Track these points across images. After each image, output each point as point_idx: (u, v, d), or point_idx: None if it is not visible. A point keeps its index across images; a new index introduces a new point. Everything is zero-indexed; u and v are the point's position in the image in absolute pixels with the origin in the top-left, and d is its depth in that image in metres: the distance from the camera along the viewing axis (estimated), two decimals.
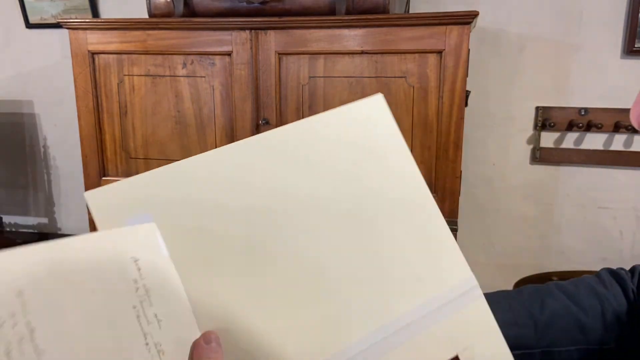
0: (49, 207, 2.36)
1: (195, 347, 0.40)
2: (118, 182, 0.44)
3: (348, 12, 1.58)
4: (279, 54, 1.60)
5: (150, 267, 0.41)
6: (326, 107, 1.62)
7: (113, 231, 0.42)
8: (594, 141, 1.89)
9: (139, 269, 0.40)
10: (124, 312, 0.39)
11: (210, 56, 1.65)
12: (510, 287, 1.88)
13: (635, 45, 1.79)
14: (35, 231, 2.36)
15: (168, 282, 0.41)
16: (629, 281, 0.68)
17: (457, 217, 1.56)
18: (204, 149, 1.71)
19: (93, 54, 1.73)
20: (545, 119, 1.90)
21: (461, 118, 1.52)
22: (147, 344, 0.39)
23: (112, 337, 0.38)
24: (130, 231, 0.42)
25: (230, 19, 1.61)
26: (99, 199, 0.44)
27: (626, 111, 1.80)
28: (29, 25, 2.20)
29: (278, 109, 1.65)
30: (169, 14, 1.68)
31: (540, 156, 1.93)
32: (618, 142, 1.87)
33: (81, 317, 0.38)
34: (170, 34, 1.65)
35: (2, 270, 0.39)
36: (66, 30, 1.75)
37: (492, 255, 2.05)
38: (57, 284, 0.39)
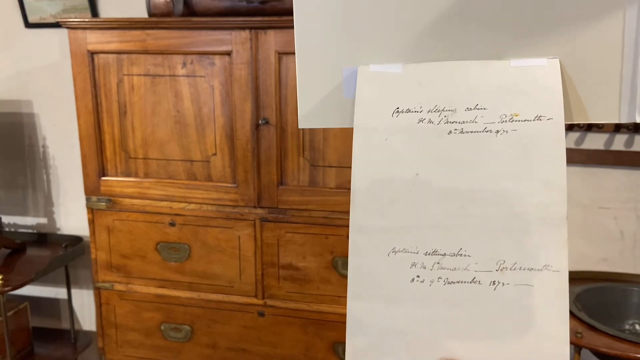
0: (48, 207, 2.36)
1: None
2: None
3: None
4: (279, 53, 1.60)
5: None
6: None
7: None
8: (595, 141, 1.88)
9: None
10: None
11: (209, 56, 1.65)
12: None
13: None
14: (35, 231, 2.35)
15: None
16: None
17: None
18: (203, 149, 1.71)
19: (92, 53, 1.72)
20: None
21: None
22: None
23: None
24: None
25: (230, 19, 1.61)
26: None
27: None
28: (28, 24, 2.19)
29: (278, 109, 1.64)
30: (168, 14, 1.67)
31: None
32: (619, 142, 1.87)
33: None
34: (170, 33, 1.65)
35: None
36: (65, 30, 1.74)
37: None
38: None
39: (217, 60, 1.65)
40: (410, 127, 0.44)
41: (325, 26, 0.45)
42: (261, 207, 1.72)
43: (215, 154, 1.71)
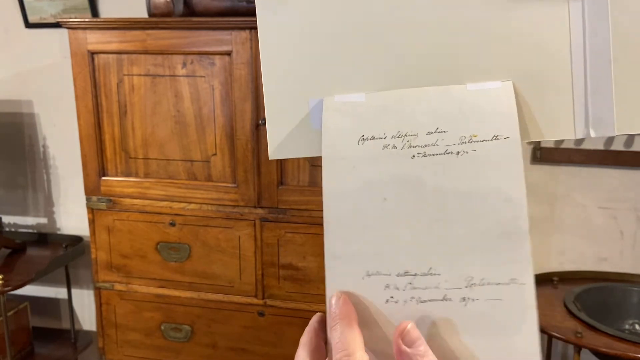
0: (48, 207, 2.36)
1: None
2: None
3: None
4: None
5: None
6: None
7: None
8: (595, 141, 1.88)
9: None
10: None
11: (210, 56, 1.65)
12: None
13: None
14: (35, 231, 2.36)
15: None
16: None
17: None
18: (203, 149, 1.71)
19: (92, 53, 1.73)
20: None
21: None
22: None
23: None
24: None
25: (230, 19, 1.61)
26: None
27: None
28: (28, 24, 2.19)
29: None
30: (168, 14, 1.68)
31: (540, 156, 1.92)
32: (618, 142, 1.87)
33: None
34: (170, 33, 1.65)
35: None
36: (66, 30, 1.74)
37: None
38: None
39: (217, 60, 1.65)
40: (376, 154, 0.45)
41: (291, 59, 0.47)
42: (261, 207, 1.72)
43: (215, 154, 1.71)
